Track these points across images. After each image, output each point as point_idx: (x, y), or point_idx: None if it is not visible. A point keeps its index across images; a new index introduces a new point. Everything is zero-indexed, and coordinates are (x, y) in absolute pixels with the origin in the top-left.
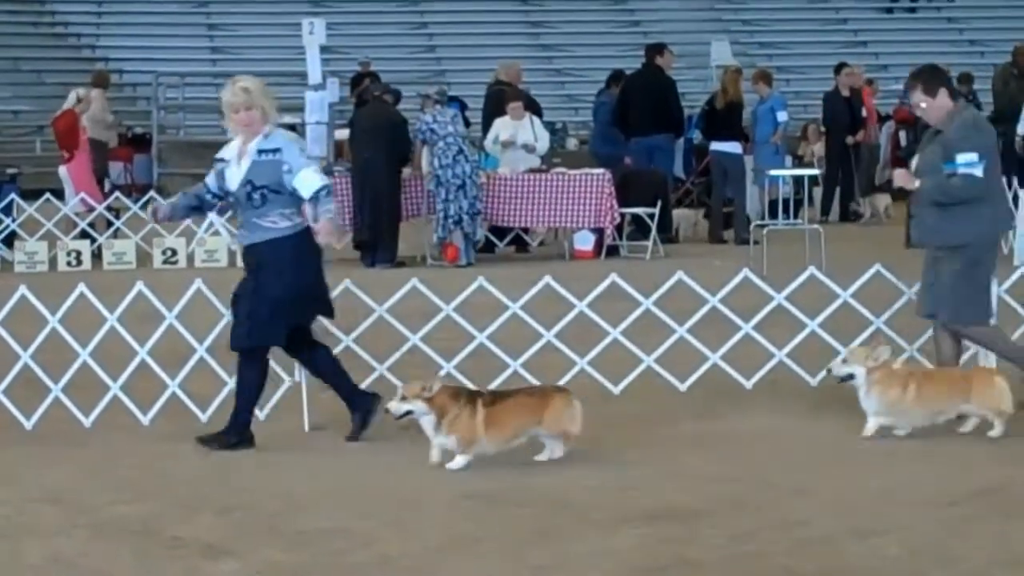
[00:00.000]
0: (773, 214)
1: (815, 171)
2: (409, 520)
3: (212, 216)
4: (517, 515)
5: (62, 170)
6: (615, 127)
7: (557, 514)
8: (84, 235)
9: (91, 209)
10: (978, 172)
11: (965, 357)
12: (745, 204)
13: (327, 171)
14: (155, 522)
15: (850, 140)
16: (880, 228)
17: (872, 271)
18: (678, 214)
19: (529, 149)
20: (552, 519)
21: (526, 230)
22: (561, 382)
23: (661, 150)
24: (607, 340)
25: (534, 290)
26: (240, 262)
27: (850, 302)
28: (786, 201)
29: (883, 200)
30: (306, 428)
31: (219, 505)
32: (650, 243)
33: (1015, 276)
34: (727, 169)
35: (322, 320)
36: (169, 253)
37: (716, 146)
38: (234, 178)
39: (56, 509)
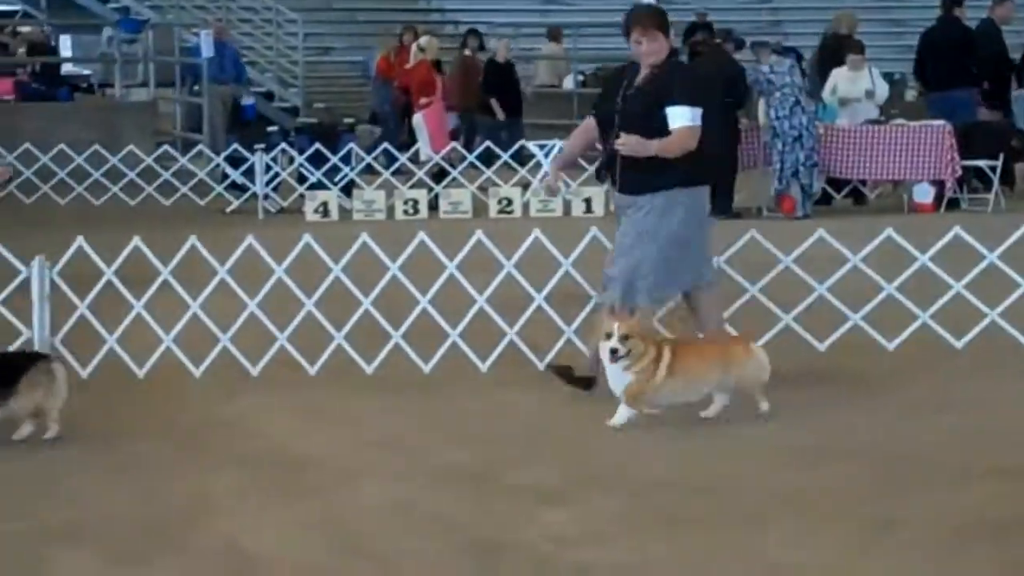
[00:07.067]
0: None
1: None
2: (739, 473)
3: (547, 166)
4: (851, 469)
5: (417, 118)
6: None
7: (895, 468)
8: (438, 178)
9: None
10: None
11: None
12: None
13: None
14: (492, 468)
15: None
16: None
17: None
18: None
19: (869, 95)
20: (891, 473)
21: (864, 182)
22: (902, 336)
23: (962, 105)
24: (950, 294)
25: (875, 242)
26: (574, 211)
27: None
28: None
29: None
30: None
31: (554, 454)
32: (992, 196)
33: None
34: None
35: None
36: (505, 203)
37: None
38: None
39: (394, 454)
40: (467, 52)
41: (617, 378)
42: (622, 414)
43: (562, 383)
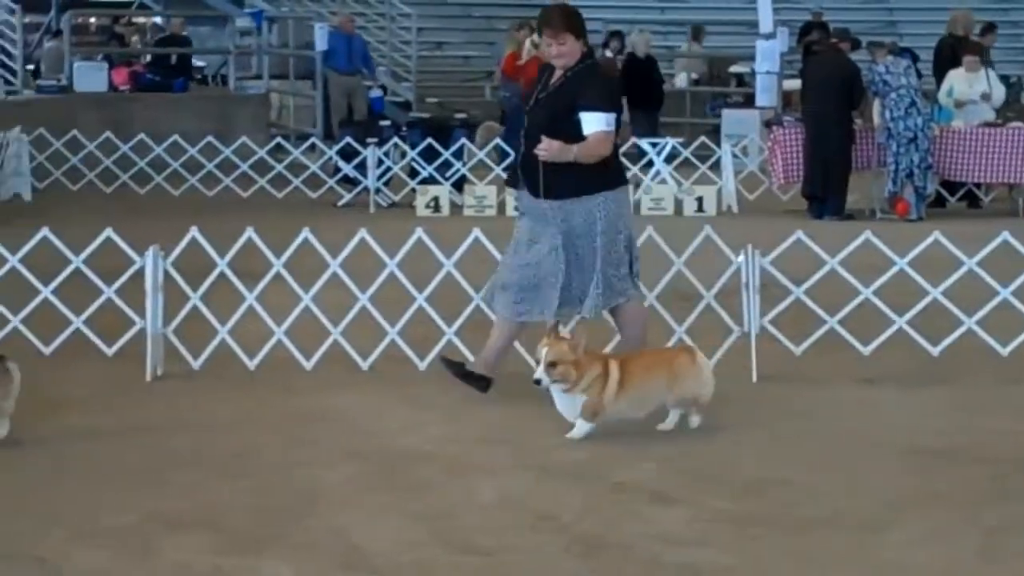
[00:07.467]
0: None
1: None
2: (858, 474)
3: (659, 164)
4: (972, 473)
5: None
6: None
7: (1009, 473)
8: None
9: None
10: None
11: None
12: None
13: (776, 121)
14: (600, 467)
15: None
16: None
17: None
18: None
19: (985, 97)
20: (1005, 478)
21: (978, 185)
22: (1016, 341)
23: None
24: None
25: (991, 246)
26: (686, 211)
27: None
28: None
29: None
30: (754, 379)
31: (662, 454)
32: None
33: None
34: None
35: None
36: None
37: None
38: None
39: (503, 450)
40: (608, 53)
41: (562, 400)
42: (581, 428)
43: (455, 378)
